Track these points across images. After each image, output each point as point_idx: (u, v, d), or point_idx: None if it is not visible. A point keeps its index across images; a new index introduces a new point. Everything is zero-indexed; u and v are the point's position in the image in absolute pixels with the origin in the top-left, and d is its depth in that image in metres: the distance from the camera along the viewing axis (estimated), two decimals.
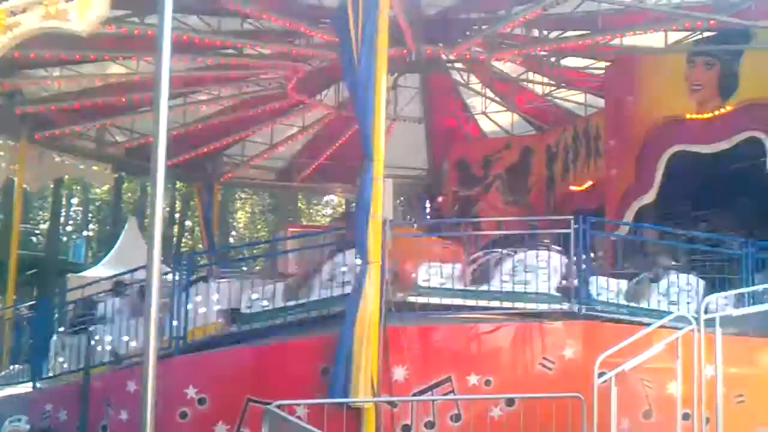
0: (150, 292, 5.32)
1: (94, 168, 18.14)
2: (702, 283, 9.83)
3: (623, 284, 9.71)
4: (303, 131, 18.90)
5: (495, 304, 8.96)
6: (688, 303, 9.46)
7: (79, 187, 35.75)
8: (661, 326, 8.06)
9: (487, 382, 8.49)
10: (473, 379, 8.45)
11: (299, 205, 35.11)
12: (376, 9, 8.53)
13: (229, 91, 16.48)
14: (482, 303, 9.00)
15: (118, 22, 11.22)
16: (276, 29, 12.86)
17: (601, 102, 16.38)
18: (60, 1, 8.80)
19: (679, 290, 9.55)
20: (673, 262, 10.42)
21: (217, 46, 13.13)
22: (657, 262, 10.15)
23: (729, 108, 13.18)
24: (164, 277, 9.77)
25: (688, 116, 13.71)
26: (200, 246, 25.91)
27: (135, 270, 10.42)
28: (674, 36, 13.00)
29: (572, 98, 17.62)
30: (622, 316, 9.12)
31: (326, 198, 33.90)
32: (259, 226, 36.08)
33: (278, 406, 6.64)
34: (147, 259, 5.40)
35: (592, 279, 9.36)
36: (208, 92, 16.38)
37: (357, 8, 8.59)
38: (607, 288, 9.39)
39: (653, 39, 12.77)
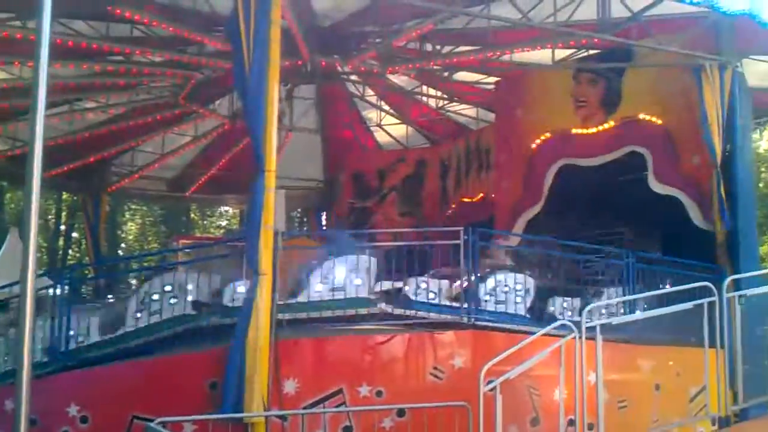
0: (24, 307, 5.07)
1: None
2: (533, 282, 10.10)
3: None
4: (195, 141, 18.54)
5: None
6: (516, 303, 9.75)
7: None
8: (548, 334, 8.27)
9: (379, 393, 8.51)
10: (364, 390, 8.44)
11: (192, 216, 34.38)
12: (268, 18, 8.46)
13: (118, 98, 15.98)
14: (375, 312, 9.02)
15: None
16: (167, 36, 12.59)
17: (492, 116, 16.79)
18: None
19: (508, 290, 9.76)
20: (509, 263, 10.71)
21: (105, 52, 12.73)
22: (482, 262, 10.35)
23: (612, 123, 13.75)
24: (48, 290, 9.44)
25: (574, 131, 14.22)
26: (87, 259, 24.97)
27: (12, 285, 9.93)
28: (561, 53, 13.44)
29: (465, 112, 17.98)
30: (510, 325, 9.30)
31: (220, 209, 33.34)
32: (150, 238, 35.09)
33: (161, 423, 6.43)
34: (21, 272, 5.15)
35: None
36: (96, 100, 15.83)
37: (249, 17, 8.49)
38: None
39: (541, 55, 13.18)
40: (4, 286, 11.15)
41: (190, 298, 8.95)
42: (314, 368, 8.52)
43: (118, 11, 10.96)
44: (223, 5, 11.44)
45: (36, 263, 5.09)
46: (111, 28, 12.40)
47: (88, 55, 12.63)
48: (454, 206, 18.03)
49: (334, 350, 8.73)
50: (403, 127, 19.42)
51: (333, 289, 9.03)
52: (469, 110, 17.90)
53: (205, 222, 35.02)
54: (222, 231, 32.50)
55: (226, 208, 31.47)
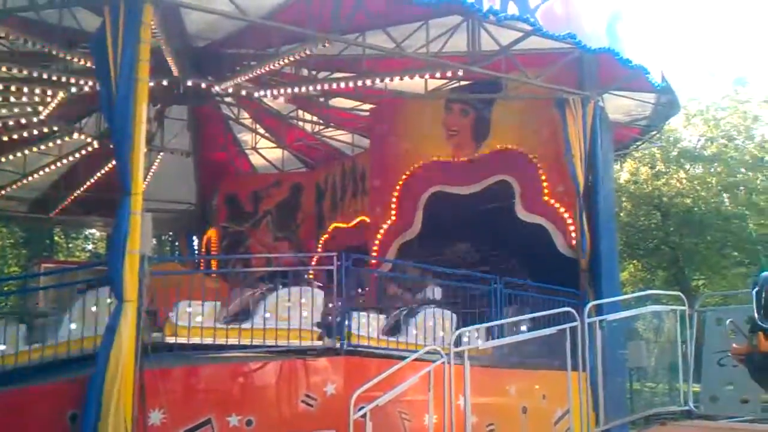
0: None
1: None
2: (455, 317, 10.31)
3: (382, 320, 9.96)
4: (60, 160, 17.72)
5: (258, 341, 8.81)
6: (442, 336, 9.89)
7: None
8: (418, 359, 8.36)
9: (249, 422, 8.32)
10: (234, 420, 8.24)
11: (56, 239, 32.84)
12: (136, 36, 8.24)
13: None
14: (244, 341, 8.82)
15: None
16: (31, 52, 12.01)
17: (366, 142, 16.95)
18: None
19: (434, 324, 9.93)
20: (431, 297, 10.89)
21: None
22: (413, 298, 10.53)
23: (482, 153, 14.15)
24: None
25: (445, 159, 14.54)
26: None
27: None
28: (434, 83, 13.74)
29: (340, 137, 18.06)
30: (381, 351, 9.33)
31: (86, 232, 32.04)
32: (10, 261, 33.26)
33: None
34: None
35: (355, 314, 9.51)
36: None
37: (117, 34, 8.24)
38: (368, 324, 9.56)
39: (415, 84, 13.44)
40: None
41: None
42: (182, 398, 8.23)
43: None
44: (90, 22, 11.07)
45: None
46: None
47: None
48: (330, 231, 18.04)
49: (203, 379, 8.45)
50: (279, 150, 19.30)
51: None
52: (344, 135, 18.00)
53: (70, 245, 33.56)
54: (88, 255, 31.22)
55: (93, 230, 30.29)
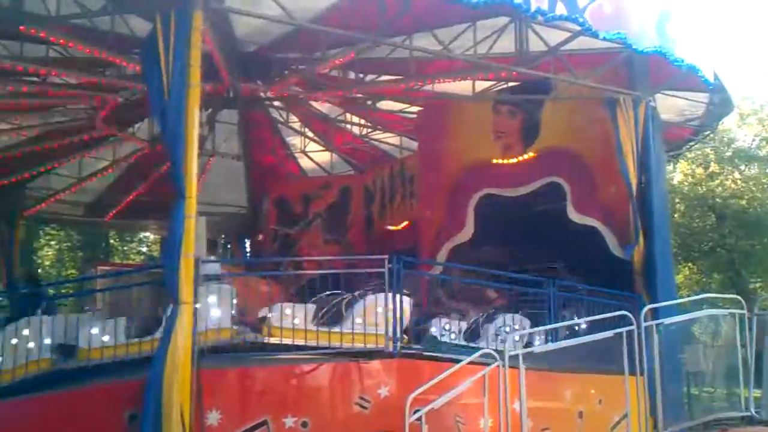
0: None
1: None
2: (527, 321, 10.20)
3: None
4: (114, 165, 18.08)
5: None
6: (516, 341, 9.78)
7: None
8: (473, 363, 8.30)
9: (304, 424, 8.36)
10: (290, 422, 8.29)
11: (111, 242, 33.49)
12: (187, 42, 8.35)
13: (33, 120, 15.45)
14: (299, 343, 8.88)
15: None
16: (85, 58, 12.25)
17: (414, 144, 16.93)
18: None
19: (510, 329, 9.86)
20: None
21: (19, 72, 12.31)
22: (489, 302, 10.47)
23: (531, 154, 14.01)
24: None
25: (494, 161, 14.43)
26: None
27: None
28: (481, 85, 13.66)
29: (388, 140, 18.07)
30: (436, 354, 9.29)
31: (141, 235, 32.58)
32: (67, 264, 34.01)
33: None
34: None
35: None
36: (9, 121, 15.28)
37: (168, 40, 8.36)
38: (449, 330, 9.57)
39: (462, 86, 13.38)
40: None
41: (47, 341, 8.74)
42: (238, 399, 8.31)
43: (33, 31, 10.64)
44: (142, 28, 11.26)
45: None
46: (26, 48, 12.01)
47: (2, 75, 12.23)
48: (379, 233, 18.05)
49: (258, 380, 8.54)
50: (328, 153, 19.39)
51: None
52: (392, 138, 18.00)
53: (125, 248, 34.17)
54: (142, 258, 31.73)
55: (147, 233, 30.78)
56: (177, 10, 8.40)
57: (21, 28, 10.36)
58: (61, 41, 11.13)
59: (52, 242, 34.28)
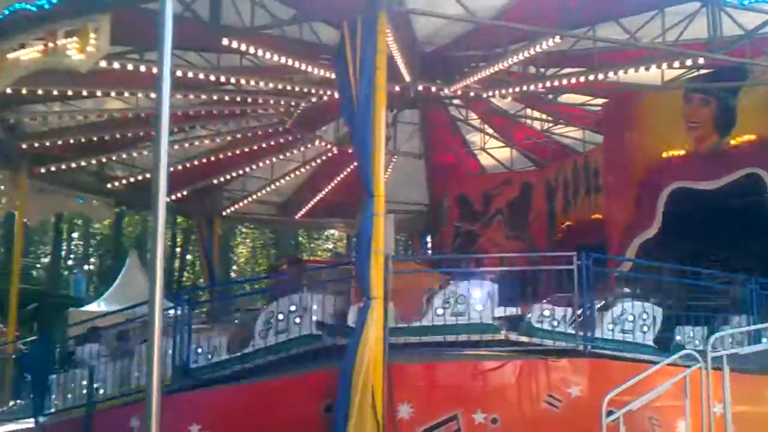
0: (152, 328, 5.24)
1: (95, 202, 18.10)
2: (659, 311, 9.71)
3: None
4: (303, 166, 18.95)
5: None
6: (644, 332, 9.38)
7: (79, 222, 35.76)
8: (672, 364, 7.99)
9: (494, 420, 8.37)
10: (479, 417, 8.33)
11: (300, 239, 35.08)
12: (374, 46, 8.60)
13: (228, 126, 16.50)
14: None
15: (117, 58, 11.26)
16: (274, 65, 12.94)
17: (598, 138, 16.46)
18: (59, 37, 8.89)
19: (635, 318, 9.40)
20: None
21: (216, 82, 13.19)
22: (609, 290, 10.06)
23: (727, 145, 13.23)
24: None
25: (686, 153, 13.76)
26: (201, 280, 25.85)
27: (137, 306, 10.35)
28: (671, 73, 13.07)
29: (570, 134, 17.70)
30: (627, 354, 9.02)
31: (327, 232, 33.90)
32: (260, 261, 36.02)
33: None
34: (149, 294, 5.34)
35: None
36: (207, 128, 16.41)
37: (355, 45, 8.66)
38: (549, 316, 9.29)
39: (650, 76, 12.87)
40: (126, 308, 11.71)
41: (314, 318, 9.04)
42: (428, 393, 8.46)
43: (232, 43, 11.35)
44: (328, 35, 11.72)
45: (163, 284, 5.25)
46: (221, 58, 12.85)
47: (201, 85, 13.14)
48: (562, 229, 17.72)
49: (446, 375, 8.66)
50: (507, 150, 19.27)
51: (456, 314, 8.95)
52: (574, 132, 17.61)
53: (312, 245, 35.66)
54: (329, 254, 33.02)
55: (333, 231, 31.96)
56: (363, 16, 8.68)
57: (225, 39, 11.05)
58: (255, 51, 11.78)
59: (247, 240, 36.42)
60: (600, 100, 15.51)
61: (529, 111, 16.93)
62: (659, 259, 11.87)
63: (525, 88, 13.56)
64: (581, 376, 8.67)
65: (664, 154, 14.07)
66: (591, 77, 12.55)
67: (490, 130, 18.47)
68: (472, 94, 14.09)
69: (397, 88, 13.20)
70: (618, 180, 14.96)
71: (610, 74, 12.42)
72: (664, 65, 11.76)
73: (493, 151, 19.46)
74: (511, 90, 13.70)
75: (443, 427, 8.24)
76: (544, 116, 17.13)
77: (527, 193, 18.97)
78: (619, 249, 14.07)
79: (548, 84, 13.19)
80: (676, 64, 11.72)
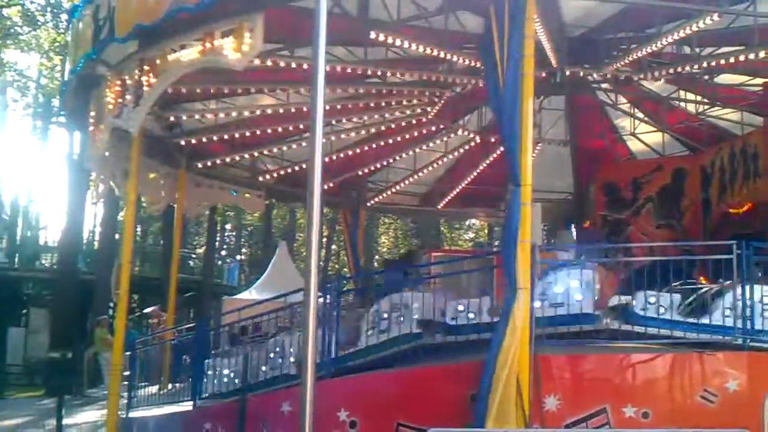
0: (307, 314, 5.48)
1: (247, 195, 18.83)
2: None
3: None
4: (445, 156, 18.98)
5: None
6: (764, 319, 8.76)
7: (232, 214, 37.43)
8: None
9: (645, 414, 8.15)
10: (630, 411, 8.13)
11: (441, 229, 35.21)
12: (521, 33, 8.50)
13: (372, 118, 16.76)
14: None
15: (269, 55, 11.69)
16: (419, 56, 13.03)
17: (758, 120, 15.54)
18: (216, 37, 9.38)
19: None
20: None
21: (362, 75, 13.43)
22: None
23: None
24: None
25: None
26: (346, 270, 26.46)
27: (291, 293, 10.75)
28: None
29: (727, 117, 16.79)
30: None
31: (468, 222, 33.86)
32: (402, 251, 36.45)
33: None
34: (304, 282, 5.58)
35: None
36: (352, 120, 16.75)
37: (502, 33, 8.59)
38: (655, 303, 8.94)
39: None
40: (278, 296, 12.17)
41: (415, 316, 9.23)
42: (576, 385, 8.34)
43: (379, 36, 11.53)
44: (472, 23, 11.67)
45: (318, 273, 5.48)
46: (367, 52, 13.08)
47: (348, 79, 13.42)
48: (717, 217, 16.86)
49: (595, 367, 8.52)
50: (659, 134, 18.51)
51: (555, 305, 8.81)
52: (731, 114, 16.68)
53: (452, 235, 35.74)
54: (469, 243, 32.99)
55: (473, 221, 31.90)
56: (511, 2, 8.59)
57: (374, 32, 11.24)
58: (401, 42, 11.91)
59: (389, 230, 36.94)
60: (760, 80, 14.61)
61: (682, 93, 16.21)
62: None
63: (680, 69, 13.01)
64: (739, 371, 8.25)
65: None
66: (751, 56, 11.88)
67: (640, 115, 17.80)
68: (622, 77, 13.64)
69: (544, 74, 12.99)
70: None
71: None
72: None
73: (643, 136, 18.75)
74: (664, 72, 13.17)
75: (591, 420, 8.09)
76: (698, 98, 16.34)
77: (680, 180, 18.10)
78: None
79: (704, 64, 12.60)
80: None
